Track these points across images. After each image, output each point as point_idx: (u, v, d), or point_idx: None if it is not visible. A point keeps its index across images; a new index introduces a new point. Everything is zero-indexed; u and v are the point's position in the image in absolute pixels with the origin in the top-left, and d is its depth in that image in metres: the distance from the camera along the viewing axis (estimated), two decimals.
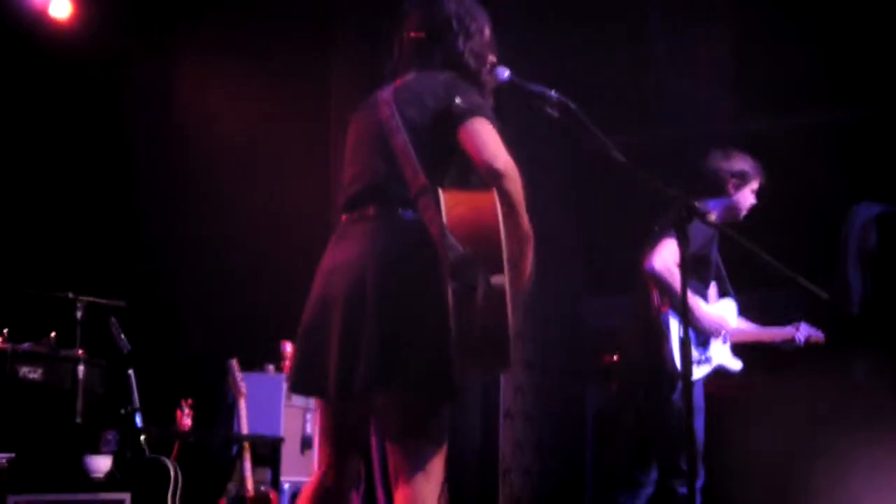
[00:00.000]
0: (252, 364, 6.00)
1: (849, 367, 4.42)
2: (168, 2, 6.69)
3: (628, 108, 5.92)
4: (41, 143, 6.11)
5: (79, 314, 5.11)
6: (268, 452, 5.62)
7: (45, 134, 6.12)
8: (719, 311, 4.38)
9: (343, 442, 2.69)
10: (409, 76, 2.74)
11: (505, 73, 2.80)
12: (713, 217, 2.77)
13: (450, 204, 2.46)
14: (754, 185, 4.38)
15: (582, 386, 6.53)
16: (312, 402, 5.92)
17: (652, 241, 4.19)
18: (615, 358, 5.37)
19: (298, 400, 6.08)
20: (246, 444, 5.37)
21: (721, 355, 4.37)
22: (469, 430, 5.86)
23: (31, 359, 4.72)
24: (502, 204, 2.49)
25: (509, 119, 2.76)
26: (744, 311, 4.56)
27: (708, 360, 4.30)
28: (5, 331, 4.77)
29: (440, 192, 2.50)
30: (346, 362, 2.49)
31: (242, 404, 5.51)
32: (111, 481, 4.82)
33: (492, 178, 2.50)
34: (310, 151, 6.41)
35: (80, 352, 4.98)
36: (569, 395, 6.50)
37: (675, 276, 4.04)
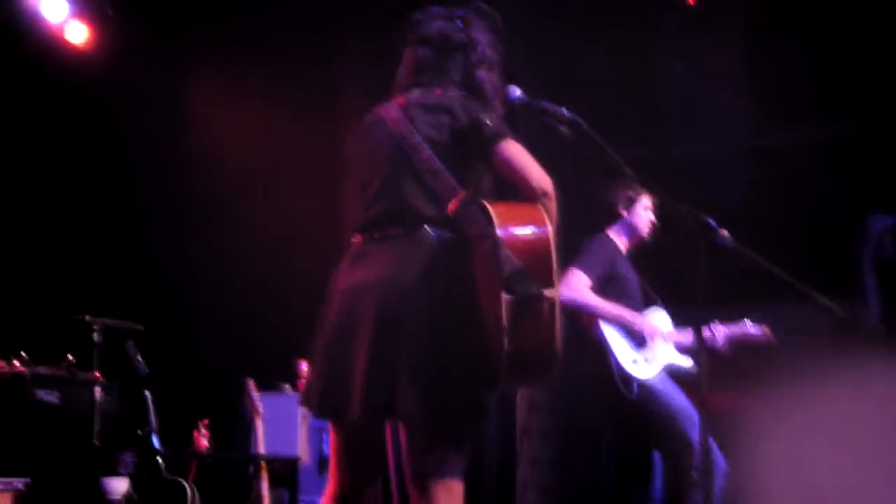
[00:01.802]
0: (269, 384, 6.00)
1: (866, 380, 4.39)
2: (182, 25, 6.74)
3: (641, 123, 5.92)
4: (58, 166, 6.15)
5: (95, 337, 5.12)
6: (285, 472, 5.62)
7: (62, 157, 6.16)
8: (650, 318, 4.59)
9: (362, 465, 2.65)
10: (413, 93, 2.71)
11: (516, 91, 2.80)
12: (725, 234, 2.76)
13: (501, 218, 2.46)
14: (645, 202, 4.65)
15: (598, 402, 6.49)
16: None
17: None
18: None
19: (316, 419, 6.08)
20: (263, 465, 5.37)
21: (668, 355, 4.53)
22: (486, 448, 5.84)
23: (48, 382, 4.73)
24: None
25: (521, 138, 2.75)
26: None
27: (652, 360, 4.43)
28: (22, 354, 4.79)
29: (488, 204, 2.49)
30: (376, 385, 2.46)
31: (259, 424, 5.51)
32: (129, 503, 4.83)
33: (538, 198, 2.53)
34: (322, 168, 6.42)
35: (97, 374, 5.00)
36: (585, 412, 6.46)
37: (579, 295, 4.41)
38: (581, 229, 4.70)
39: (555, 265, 2.43)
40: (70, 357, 4.91)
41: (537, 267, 2.40)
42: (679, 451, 4.36)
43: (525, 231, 2.46)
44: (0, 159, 5.81)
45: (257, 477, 5.38)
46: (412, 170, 2.58)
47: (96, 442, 4.84)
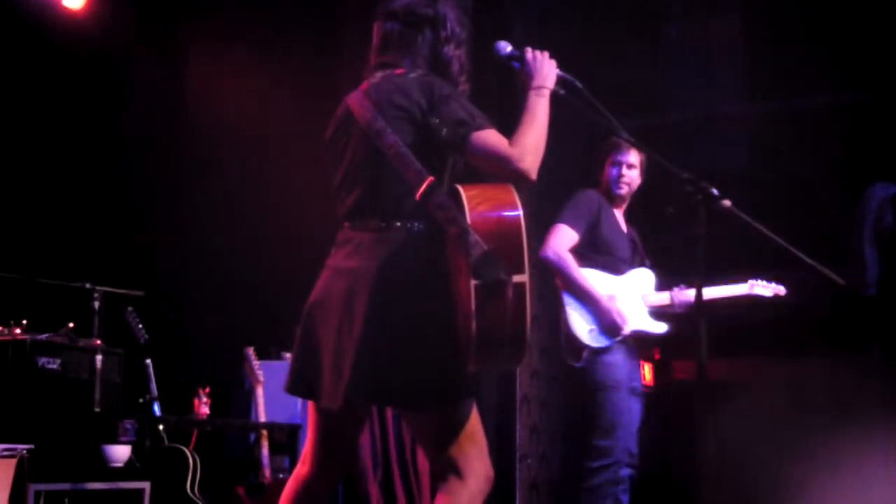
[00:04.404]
0: (268, 352, 6.02)
1: (865, 348, 4.40)
2: None
3: (641, 89, 5.91)
4: (57, 133, 6.13)
5: (96, 304, 5.13)
6: (285, 440, 5.65)
7: (60, 124, 6.14)
8: (630, 280, 4.53)
9: (333, 442, 2.69)
10: (376, 76, 2.68)
11: (507, 47, 2.78)
12: (728, 203, 2.76)
13: (472, 202, 2.43)
14: (613, 157, 4.59)
15: None
16: None
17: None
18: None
19: None
20: (263, 432, 5.40)
21: (637, 321, 4.46)
22: (485, 416, 5.86)
23: (49, 349, 4.74)
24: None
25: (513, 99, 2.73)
26: None
27: (609, 333, 4.42)
28: (24, 321, 4.80)
29: (460, 188, 2.47)
30: (336, 373, 2.51)
31: (259, 392, 5.53)
32: (130, 470, 4.86)
33: (520, 181, 2.49)
34: (322, 135, 6.41)
35: (98, 342, 5.01)
36: (584, 379, 6.49)
37: (564, 261, 4.38)
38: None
39: (525, 250, 2.39)
40: (71, 324, 4.92)
41: (507, 251, 2.36)
42: (593, 433, 4.38)
43: (496, 215, 2.43)
44: None
45: (258, 444, 5.41)
46: (380, 156, 2.56)
47: (97, 409, 4.86)
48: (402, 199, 2.54)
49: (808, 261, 2.80)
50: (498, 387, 5.96)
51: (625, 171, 4.59)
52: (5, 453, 4.15)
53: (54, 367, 4.75)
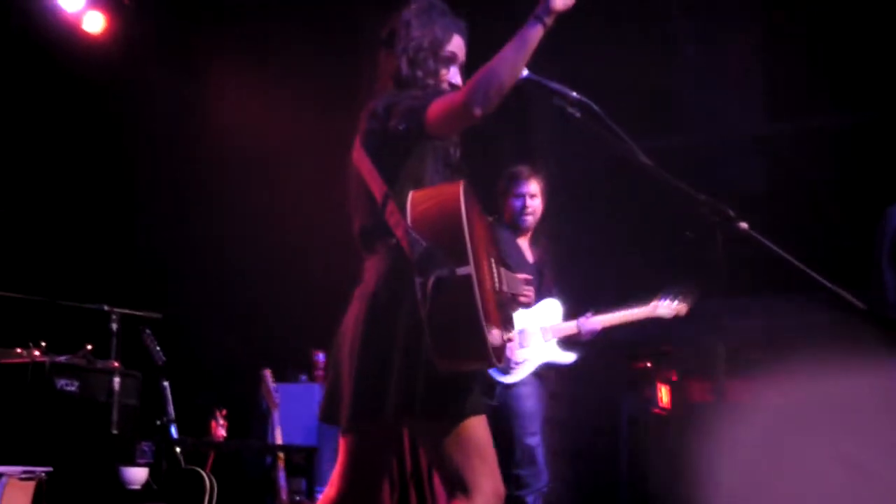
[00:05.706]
0: (285, 374, 6.02)
1: (886, 371, 4.36)
2: (199, 13, 6.75)
3: (654, 112, 5.91)
4: (76, 155, 6.17)
5: (114, 326, 5.15)
6: (302, 462, 5.65)
7: (80, 146, 6.18)
8: (536, 312, 4.52)
9: (360, 467, 2.70)
10: (368, 104, 2.71)
11: (524, 71, 2.78)
12: (745, 225, 2.74)
13: (415, 202, 2.44)
14: (514, 189, 4.59)
15: (616, 393, 6.50)
16: None
17: None
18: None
19: None
20: (280, 454, 5.39)
21: (543, 353, 4.51)
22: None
23: (67, 371, 4.76)
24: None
25: (537, 125, 2.73)
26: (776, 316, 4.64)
27: (520, 363, 4.45)
28: (42, 343, 4.82)
29: (410, 193, 2.48)
30: (349, 394, 2.55)
31: (276, 414, 5.53)
32: (147, 492, 4.86)
33: (475, 115, 2.42)
34: (338, 160, 6.41)
35: (116, 364, 5.03)
36: (603, 402, 6.47)
37: None
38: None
39: (466, 240, 2.36)
40: (89, 346, 4.93)
41: (448, 244, 2.35)
42: (504, 457, 4.38)
43: (436, 210, 2.42)
44: (18, 149, 5.83)
45: (275, 466, 5.40)
46: (364, 183, 2.61)
47: (115, 431, 4.87)
48: (381, 223, 2.56)
49: (828, 284, 2.77)
50: None
51: (528, 202, 4.60)
52: (24, 476, 4.15)
53: (72, 388, 4.77)
